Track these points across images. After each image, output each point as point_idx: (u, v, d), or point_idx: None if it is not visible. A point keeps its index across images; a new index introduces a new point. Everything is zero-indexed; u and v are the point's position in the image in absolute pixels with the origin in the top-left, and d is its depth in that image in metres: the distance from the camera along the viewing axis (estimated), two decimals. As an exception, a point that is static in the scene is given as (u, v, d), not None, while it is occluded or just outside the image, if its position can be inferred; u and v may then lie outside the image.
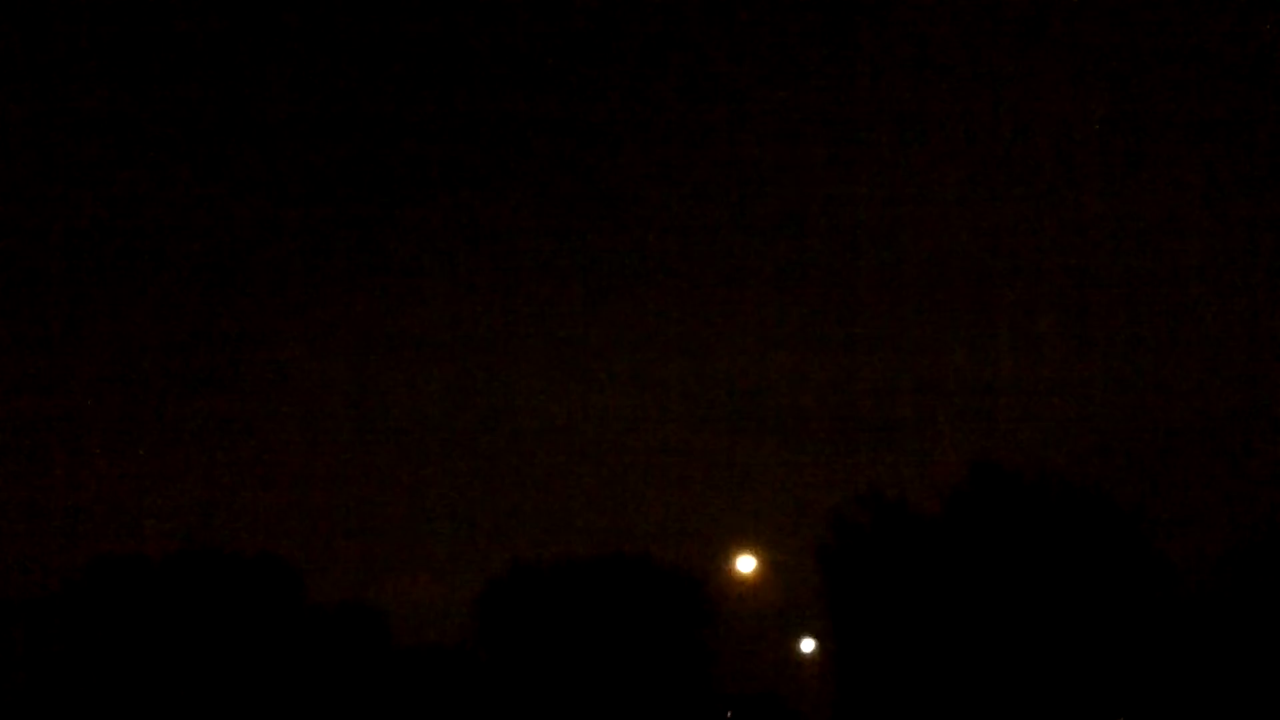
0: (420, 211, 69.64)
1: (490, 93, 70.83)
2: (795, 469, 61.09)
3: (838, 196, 67.42)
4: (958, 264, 66.73)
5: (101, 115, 67.19)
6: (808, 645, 58.40)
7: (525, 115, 69.45)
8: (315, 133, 69.00)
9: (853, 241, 66.97)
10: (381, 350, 66.34)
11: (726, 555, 61.79)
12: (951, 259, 66.83)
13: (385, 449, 62.94)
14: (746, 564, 61.50)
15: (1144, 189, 65.59)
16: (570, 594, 54.96)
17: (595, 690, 53.89)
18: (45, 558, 53.29)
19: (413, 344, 66.53)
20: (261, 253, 68.68)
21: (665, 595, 55.59)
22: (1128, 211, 64.76)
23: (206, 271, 67.74)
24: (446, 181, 71.32)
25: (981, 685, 49.39)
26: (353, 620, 54.90)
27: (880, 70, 68.02)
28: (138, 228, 67.10)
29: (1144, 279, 62.74)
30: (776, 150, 68.84)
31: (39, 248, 66.39)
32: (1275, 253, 60.71)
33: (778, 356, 65.71)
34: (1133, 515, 50.00)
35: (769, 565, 61.06)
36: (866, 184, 67.30)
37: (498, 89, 71.01)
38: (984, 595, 49.66)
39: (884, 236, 67.17)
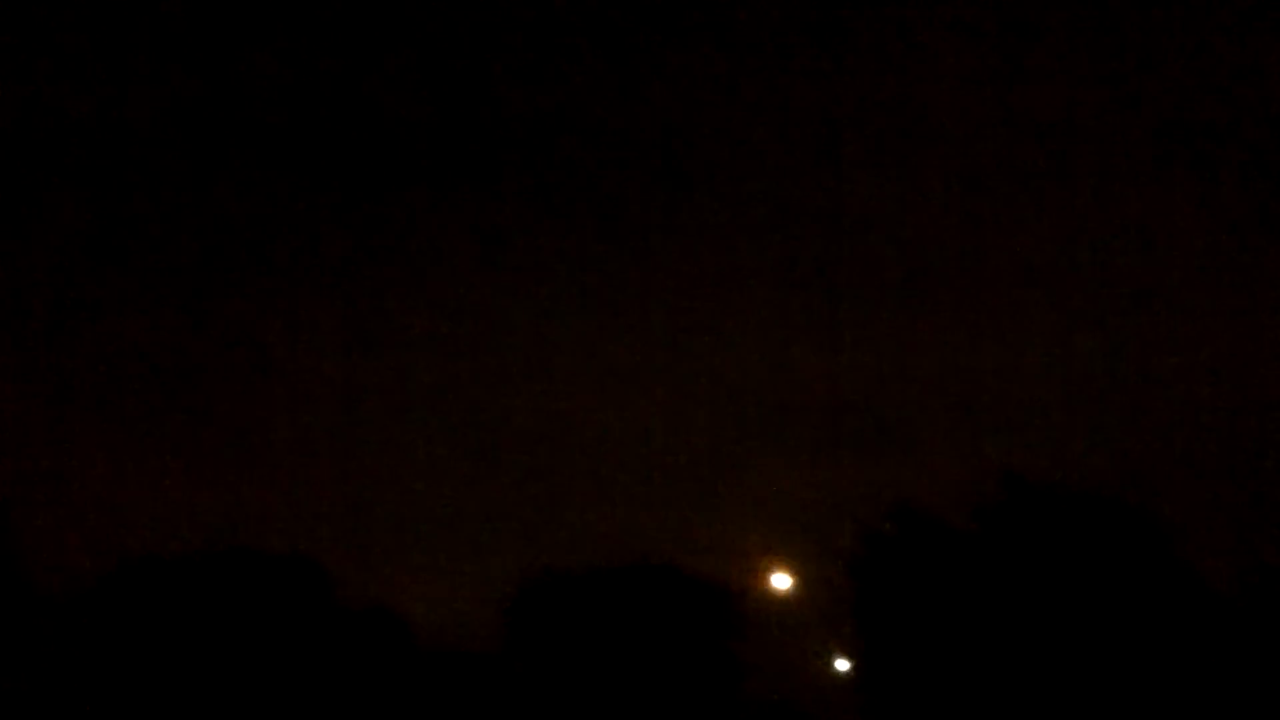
0: (440, 210, 69.76)
1: (492, 85, 71.12)
2: (829, 480, 60.75)
3: (867, 197, 67.29)
4: (992, 271, 66.33)
5: (94, 110, 67.73)
6: (843, 664, 57.97)
7: (530, 109, 69.75)
8: (312, 126, 69.42)
9: (889, 247, 66.76)
10: (416, 352, 66.58)
11: (759, 568, 61.54)
12: (986, 265, 66.44)
13: (416, 452, 63.09)
14: (781, 580, 61.16)
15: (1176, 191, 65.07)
16: (599, 603, 54.79)
17: (623, 700, 53.66)
18: (77, 556, 53.73)
19: (448, 348, 66.74)
20: (279, 248, 69.00)
21: (695, 606, 55.34)
22: (1162, 215, 64.25)
23: (235, 267, 68.18)
24: (464, 177, 71.45)
25: (1013, 700, 48.84)
26: (380, 625, 54.92)
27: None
28: (170, 223, 67.67)
29: (1181, 286, 62.21)
30: (796, 147, 68.84)
31: (63, 243, 67.14)
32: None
33: (814, 365, 65.42)
34: (1166, 529, 49.40)
35: (802, 579, 60.73)
36: (896, 184, 67.14)
37: (498, 82, 71.33)
38: (1015, 609, 49.14)
39: (921, 242, 66.88)
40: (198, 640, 52.19)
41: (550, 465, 63.01)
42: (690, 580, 55.80)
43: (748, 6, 70.55)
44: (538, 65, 70.85)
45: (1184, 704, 47.82)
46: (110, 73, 67.86)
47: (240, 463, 60.76)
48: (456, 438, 64.08)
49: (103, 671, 52.07)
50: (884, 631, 52.50)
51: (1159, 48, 65.57)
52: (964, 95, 66.33)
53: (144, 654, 52.14)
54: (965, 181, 67.80)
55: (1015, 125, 67.07)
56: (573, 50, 70.62)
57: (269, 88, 68.80)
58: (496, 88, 70.87)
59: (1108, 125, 66.35)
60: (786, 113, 69.24)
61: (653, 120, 69.92)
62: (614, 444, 64.47)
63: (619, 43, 70.90)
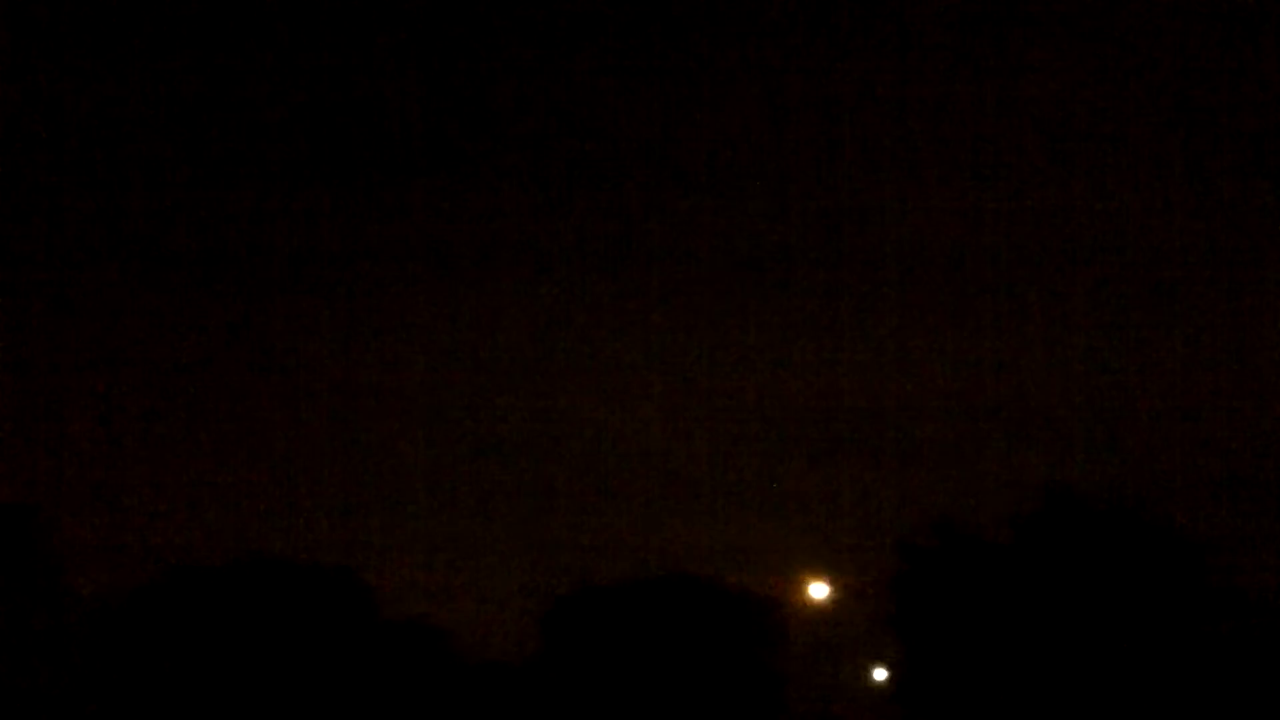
0: (461, 208, 69.48)
1: (496, 83, 71.01)
2: (869, 492, 60.58)
3: (905, 207, 67.00)
4: (1033, 283, 65.95)
5: (93, 108, 67.87)
6: (881, 674, 57.89)
7: (533, 108, 69.70)
8: (313, 124, 69.52)
9: (928, 259, 66.41)
10: (456, 366, 66.58)
11: (799, 580, 61.46)
12: (1027, 278, 66.05)
13: (455, 464, 63.13)
14: (819, 590, 61.08)
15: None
16: (637, 614, 54.80)
17: (660, 712, 53.67)
18: (115, 565, 53.93)
19: (488, 361, 66.79)
20: (314, 257, 68.99)
21: (732, 617, 55.32)
22: (1206, 222, 63.81)
23: (266, 273, 68.25)
24: (470, 174, 71.38)
25: (1050, 712, 48.74)
26: (419, 636, 55.02)
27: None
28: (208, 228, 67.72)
29: (1225, 298, 61.82)
30: (825, 150, 68.52)
31: (94, 248, 67.35)
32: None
33: (854, 378, 65.16)
34: (1203, 544, 49.23)
35: (840, 590, 60.62)
36: (932, 193, 66.83)
37: (502, 79, 71.20)
38: (1053, 622, 49.04)
39: (962, 255, 66.49)
40: (236, 651, 52.34)
41: (587, 477, 63.05)
42: (727, 592, 55.80)
43: (748, 5, 70.62)
44: (540, 63, 70.78)
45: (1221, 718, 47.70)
46: (110, 71, 68.06)
47: (280, 472, 60.91)
48: (496, 449, 64.10)
49: (139, 681, 52.26)
50: (923, 643, 52.45)
51: (1150, 34, 65.25)
52: (984, 94, 66.07)
53: (181, 665, 52.31)
54: (1006, 192, 67.58)
55: (1050, 128, 66.90)
56: (575, 48, 70.60)
57: (270, 85, 68.99)
58: (501, 85, 70.90)
59: (1133, 123, 66.09)
60: (823, 116, 69.05)
61: (667, 119, 70.08)
62: (653, 456, 64.50)
63: (621, 41, 70.79)
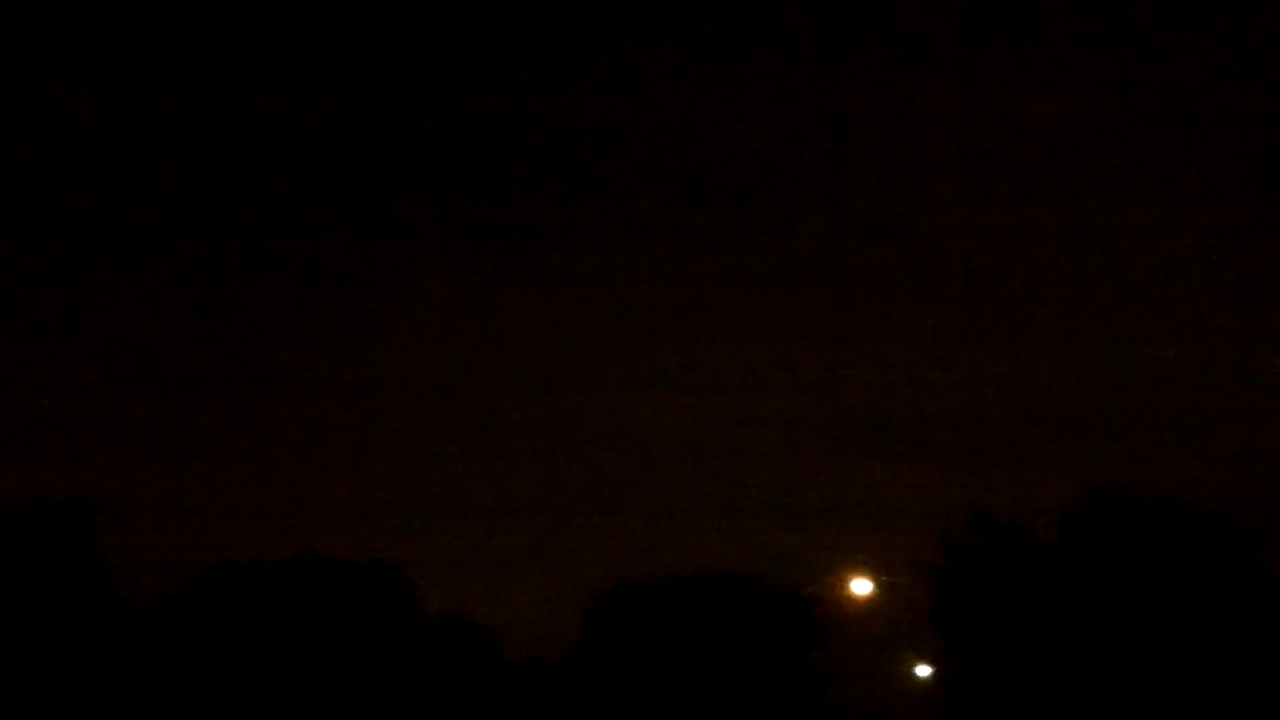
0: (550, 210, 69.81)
1: (512, 85, 71.08)
2: (911, 489, 60.41)
3: (951, 208, 66.85)
4: (1078, 280, 65.80)
5: (97, 107, 68.19)
6: (923, 670, 57.74)
7: (552, 111, 69.67)
8: (324, 128, 69.74)
9: (967, 258, 66.30)
10: (500, 367, 66.84)
11: (840, 576, 61.36)
12: (1073, 275, 65.91)
13: (499, 460, 63.31)
14: (861, 586, 60.96)
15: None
16: (679, 611, 54.82)
17: (704, 710, 53.67)
18: (162, 562, 54.23)
19: (533, 362, 67.01)
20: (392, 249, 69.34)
21: (775, 615, 55.29)
22: (1245, 218, 63.46)
23: (318, 270, 68.68)
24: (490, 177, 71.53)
25: (1093, 708, 48.53)
26: (463, 634, 55.22)
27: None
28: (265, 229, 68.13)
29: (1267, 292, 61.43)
30: (867, 154, 68.47)
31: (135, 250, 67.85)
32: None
33: (897, 374, 65.05)
34: (1250, 538, 48.93)
35: (883, 587, 60.50)
36: (977, 192, 66.66)
37: (518, 81, 71.31)
38: (1099, 621, 48.82)
39: (1005, 254, 66.36)
40: (281, 648, 52.61)
41: (629, 474, 63.16)
42: (771, 589, 55.79)
43: (759, 10, 70.58)
44: (558, 67, 71.02)
45: (1269, 712, 47.40)
46: (118, 77, 68.55)
47: (323, 473, 61.24)
48: (539, 447, 64.30)
49: (184, 678, 52.56)
50: (965, 639, 52.29)
51: (1158, 43, 64.96)
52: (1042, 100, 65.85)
53: (226, 661, 52.62)
54: (1047, 189, 67.45)
55: (1091, 129, 66.67)
56: (591, 53, 70.72)
57: (278, 91, 69.34)
58: (517, 87, 71.03)
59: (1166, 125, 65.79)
60: (871, 128, 69.07)
61: (698, 124, 70.17)
62: (695, 453, 64.55)
63: (639, 48, 71.01)
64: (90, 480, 54.81)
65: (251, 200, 69.73)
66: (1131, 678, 48.37)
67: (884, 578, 59.62)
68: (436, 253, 69.20)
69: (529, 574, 57.44)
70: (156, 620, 52.35)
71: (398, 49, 71.36)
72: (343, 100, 70.01)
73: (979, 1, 68.27)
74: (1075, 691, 48.99)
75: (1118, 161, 67.16)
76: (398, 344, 68.07)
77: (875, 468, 62.98)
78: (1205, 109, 65.33)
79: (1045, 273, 66.61)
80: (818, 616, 55.65)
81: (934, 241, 67.45)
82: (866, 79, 68.48)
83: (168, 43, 69.18)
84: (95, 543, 50.35)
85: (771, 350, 67.13)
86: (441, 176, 71.73)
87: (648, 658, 54.38)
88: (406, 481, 61.34)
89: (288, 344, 66.99)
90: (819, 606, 56.09)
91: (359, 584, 54.63)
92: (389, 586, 54.93)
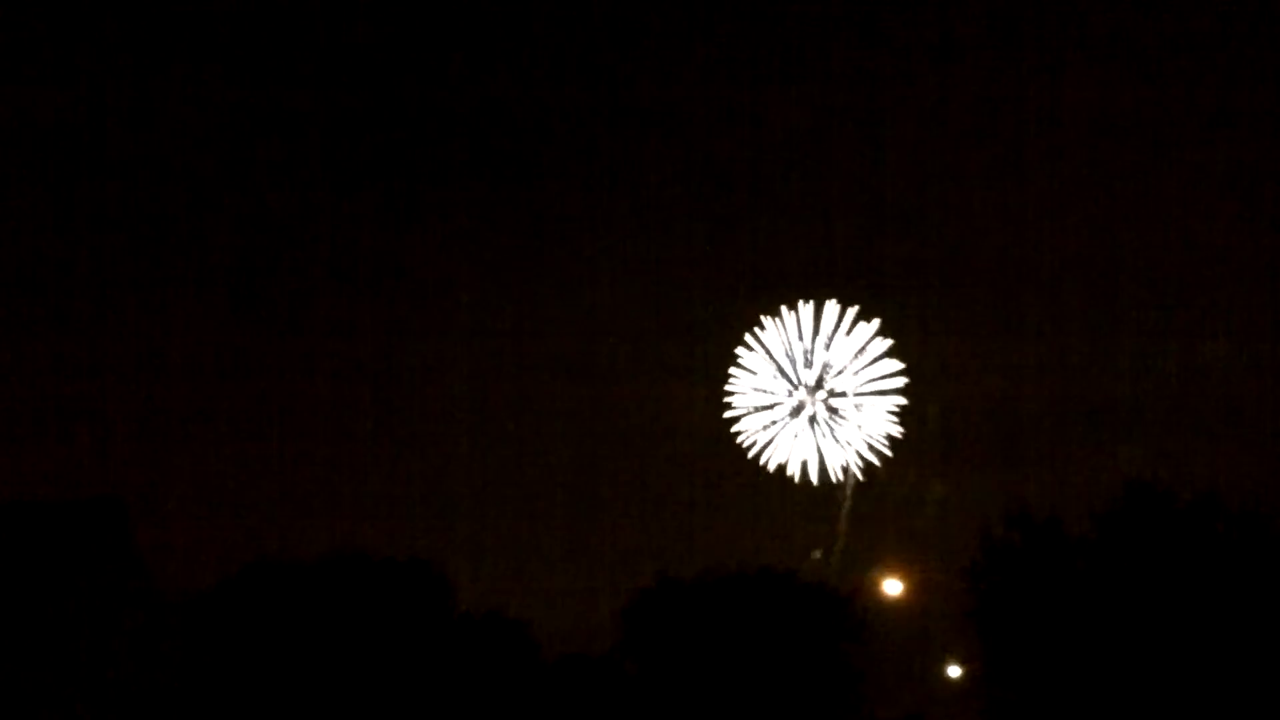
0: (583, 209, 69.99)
1: (518, 78, 71.23)
2: (950, 487, 60.60)
3: (979, 206, 66.95)
4: (1117, 278, 65.80)
5: (131, 103, 68.44)
6: (955, 670, 57.79)
7: (553, 100, 69.84)
8: (357, 126, 69.87)
9: (1005, 255, 66.32)
10: (538, 369, 66.95)
11: (876, 575, 61.46)
12: (1111, 274, 65.91)
13: (540, 458, 63.36)
14: (893, 586, 61.08)
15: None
16: (716, 608, 54.78)
17: (741, 704, 53.56)
18: (201, 557, 54.28)
19: (571, 347, 67.01)
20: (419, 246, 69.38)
21: (812, 612, 55.25)
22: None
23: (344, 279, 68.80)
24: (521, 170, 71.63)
25: (1132, 707, 48.33)
26: (500, 630, 55.14)
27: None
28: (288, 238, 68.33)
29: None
30: (893, 143, 68.53)
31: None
32: None
33: (930, 373, 65.19)
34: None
35: (919, 586, 60.58)
36: (1010, 194, 66.74)
37: (527, 75, 71.38)
38: (1136, 617, 48.58)
39: (1043, 251, 66.39)
40: (319, 643, 52.51)
41: (665, 467, 63.22)
42: (806, 586, 55.82)
43: (792, 3, 70.71)
44: (593, 59, 71.16)
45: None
46: (153, 74, 68.77)
47: (359, 464, 61.23)
48: (580, 445, 64.37)
49: (221, 672, 52.42)
50: (1003, 637, 52.05)
51: (1185, 38, 64.96)
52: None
53: (262, 656, 52.49)
54: (1083, 192, 67.54)
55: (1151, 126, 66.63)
56: (627, 45, 70.83)
57: (309, 83, 69.49)
58: (551, 77, 71.19)
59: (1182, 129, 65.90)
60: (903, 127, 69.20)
61: (713, 123, 70.30)
62: (731, 452, 64.70)
63: (674, 40, 71.10)
64: (125, 475, 55.02)
65: (281, 191, 69.89)
66: (1167, 674, 48.08)
67: (920, 574, 59.77)
68: (469, 243, 69.43)
69: (566, 568, 57.54)
70: (193, 614, 52.21)
71: (427, 40, 71.52)
72: (372, 92, 70.21)
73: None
74: (1111, 687, 48.73)
75: (1152, 153, 67.18)
76: (433, 339, 68.18)
77: (917, 466, 63.34)
78: (1241, 102, 65.37)
79: (1080, 266, 66.67)
80: (852, 612, 55.63)
81: (967, 235, 67.55)
82: (900, 71, 68.58)
83: (198, 36, 69.50)
84: (130, 538, 50.26)
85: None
86: (472, 166, 71.82)
87: (685, 652, 54.23)
88: (442, 476, 61.47)
89: (321, 339, 67.12)
90: (855, 603, 56.12)
91: (395, 580, 54.56)
92: (425, 582, 54.89)
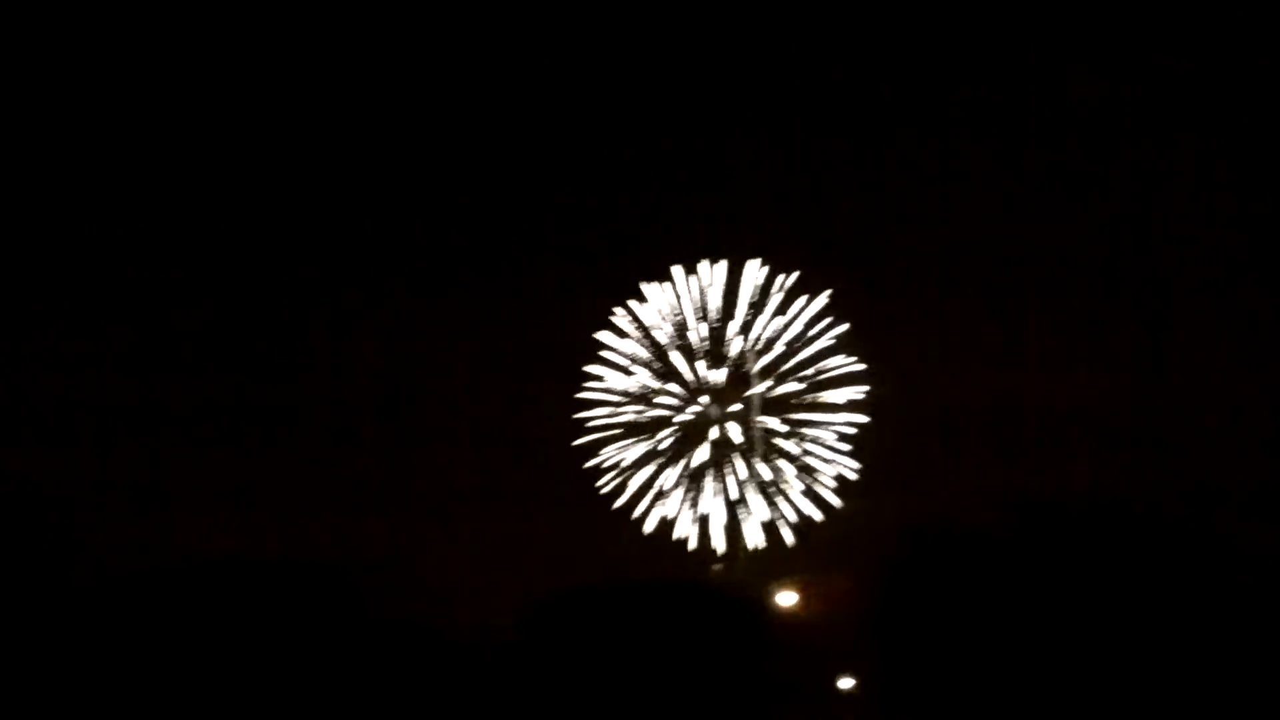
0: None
1: (521, 85, 71.26)
2: (845, 502, 61.13)
3: (871, 193, 67.39)
4: (1015, 288, 66.56)
5: (127, 93, 67.90)
6: (846, 683, 58.51)
7: (548, 97, 69.87)
8: (353, 126, 69.70)
9: (908, 259, 66.82)
10: (446, 365, 66.71)
11: (771, 587, 62.04)
12: (1009, 283, 66.63)
13: (445, 461, 63.09)
14: (788, 598, 61.71)
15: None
16: (619, 615, 55.00)
17: (642, 712, 53.80)
18: (108, 557, 53.58)
19: (483, 358, 66.74)
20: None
21: (717, 621, 55.65)
22: (1202, 223, 64.60)
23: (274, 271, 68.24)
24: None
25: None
26: (406, 635, 54.98)
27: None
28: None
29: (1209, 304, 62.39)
30: (804, 139, 68.97)
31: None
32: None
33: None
34: (1194, 545, 49.98)
35: (813, 599, 61.23)
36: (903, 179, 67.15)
37: (518, 70, 71.39)
38: (1036, 630, 49.45)
39: (943, 256, 66.97)
40: (225, 648, 52.06)
41: (570, 477, 63.23)
42: (711, 595, 56.24)
43: (787, 5, 71.21)
44: (578, 58, 71.10)
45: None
46: (148, 67, 68.16)
47: (270, 469, 60.77)
48: (488, 448, 64.21)
49: (126, 672, 51.79)
50: (897, 649, 52.75)
51: (1186, 35, 65.93)
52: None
53: (171, 660, 51.93)
54: (980, 192, 68.30)
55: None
56: (589, 43, 70.98)
57: (300, 83, 69.10)
58: (530, 82, 71.05)
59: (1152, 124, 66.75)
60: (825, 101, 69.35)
61: (691, 116, 70.29)
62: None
63: (664, 41, 71.14)
64: (39, 477, 54.13)
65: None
66: (1063, 686, 48.97)
67: (816, 587, 60.37)
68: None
69: (469, 574, 57.45)
70: (104, 615, 51.61)
71: (420, 42, 71.20)
72: (362, 95, 69.83)
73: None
74: (1004, 702, 49.51)
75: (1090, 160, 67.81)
76: (337, 342, 67.79)
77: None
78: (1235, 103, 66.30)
79: (981, 278, 67.36)
80: (761, 622, 56.12)
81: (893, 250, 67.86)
82: (901, 67, 68.91)
83: (200, 36, 68.89)
84: (42, 536, 49.62)
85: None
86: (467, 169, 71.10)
87: (588, 660, 54.37)
88: (345, 478, 61.13)
89: (235, 338, 66.59)
90: (760, 612, 56.63)
91: (299, 584, 54.25)
92: (330, 587, 54.61)
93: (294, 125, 69.68)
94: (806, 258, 67.41)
